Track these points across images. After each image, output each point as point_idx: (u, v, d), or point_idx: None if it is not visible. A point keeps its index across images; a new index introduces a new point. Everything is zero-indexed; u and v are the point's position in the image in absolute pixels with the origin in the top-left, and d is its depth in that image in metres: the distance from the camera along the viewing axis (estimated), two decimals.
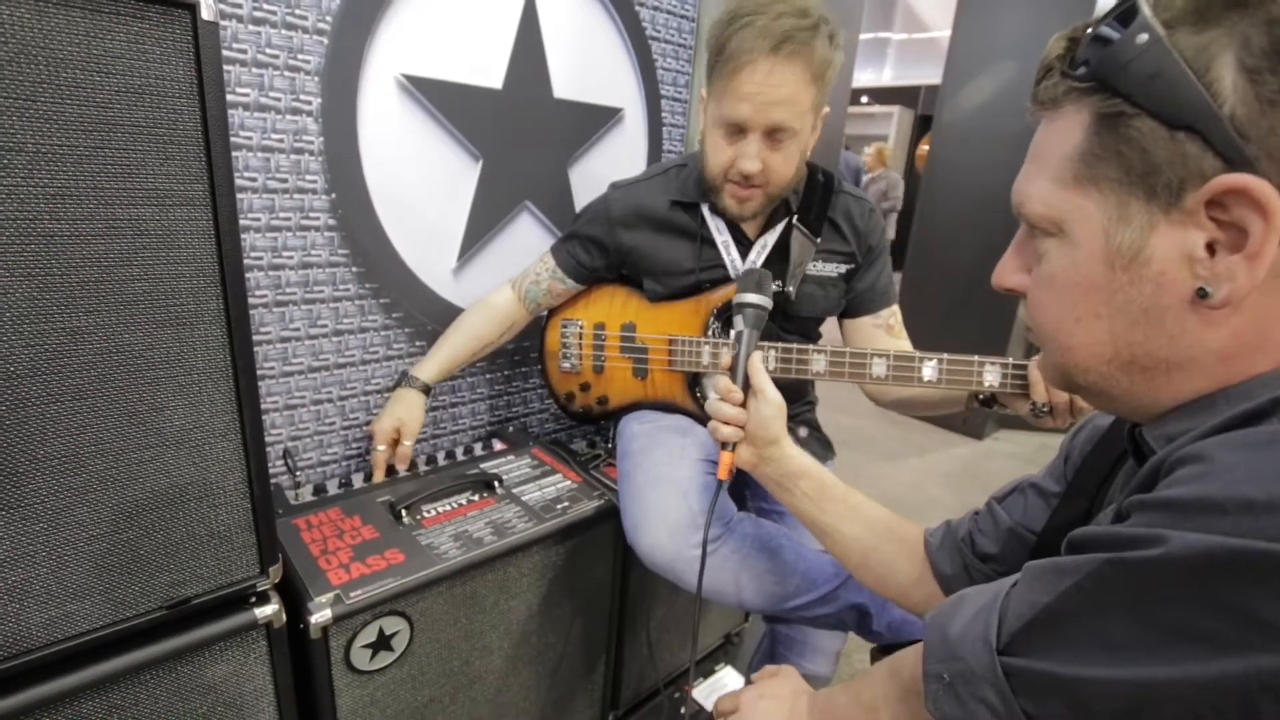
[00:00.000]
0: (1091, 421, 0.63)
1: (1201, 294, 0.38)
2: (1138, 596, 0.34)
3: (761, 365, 0.82)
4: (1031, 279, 0.47)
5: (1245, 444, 0.33)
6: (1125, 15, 0.39)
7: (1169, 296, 0.39)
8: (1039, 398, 0.86)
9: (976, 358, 0.91)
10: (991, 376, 0.91)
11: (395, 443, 1.11)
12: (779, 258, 1.09)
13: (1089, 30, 0.42)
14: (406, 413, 1.11)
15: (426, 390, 1.15)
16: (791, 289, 1.07)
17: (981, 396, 0.96)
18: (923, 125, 7.20)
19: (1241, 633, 0.31)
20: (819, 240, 1.08)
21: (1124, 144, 0.39)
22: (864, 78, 8.38)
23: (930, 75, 6.68)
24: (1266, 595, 0.30)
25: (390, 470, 1.13)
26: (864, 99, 8.17)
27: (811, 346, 1.01)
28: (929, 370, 0.94)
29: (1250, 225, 0.36)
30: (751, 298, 0.86)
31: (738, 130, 0.97)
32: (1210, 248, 0.38)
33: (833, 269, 1.12)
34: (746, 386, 0.82)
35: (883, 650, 0.73)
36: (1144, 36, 0.37)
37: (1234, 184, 0.35)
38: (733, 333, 0.86)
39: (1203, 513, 0.32)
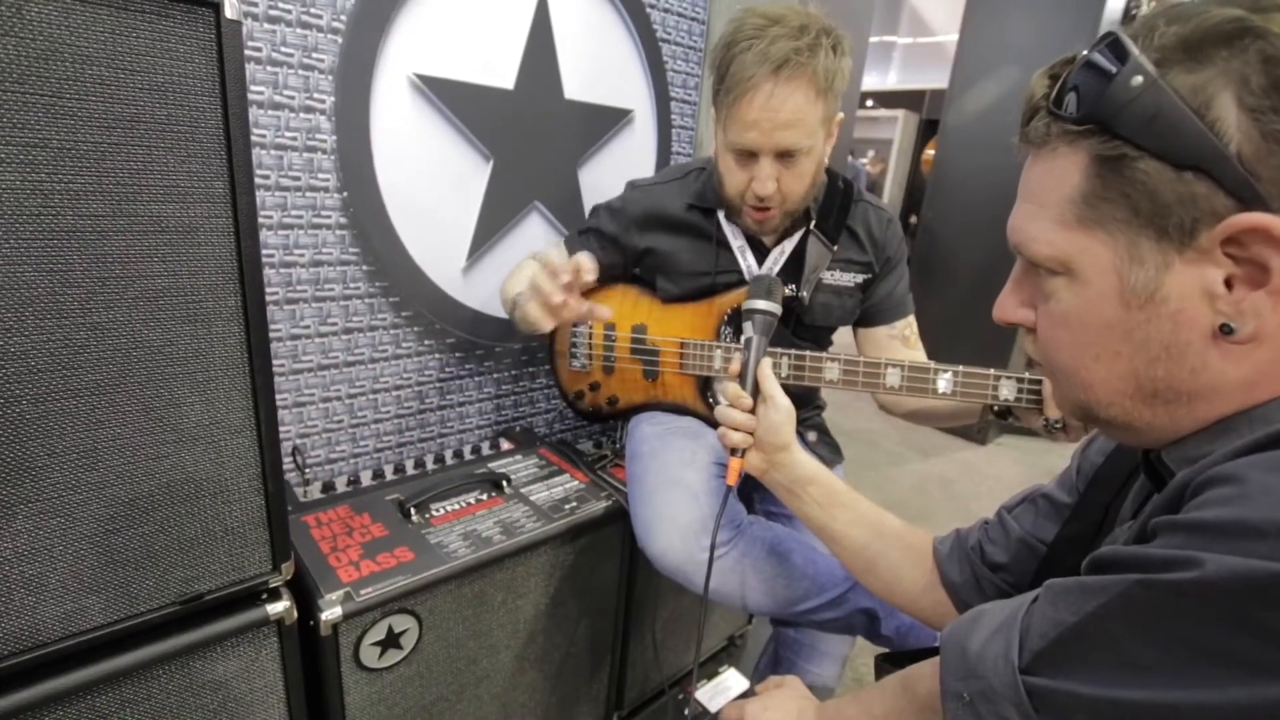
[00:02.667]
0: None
1: (1226, 330, 0.38)
2: (1170, 619, 0.34)
3: (771, 371, 0.82)
4: (1040, 316, 0.47)
5: (1279, 466, 0.33)
6: (1113, 52, 0.39)
7: (1189, 332, 0.39)
8: (1052, 414, 0.85)
9: (992, 371, 0.90)
10: (1007, 390, 0.89)
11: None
12: (794, 264, 1.08)
13: (1070, 68, 0.42)
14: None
15: None
16: (805, 294, 1.07)
17: (996, 409, 0.95)
18: (928, 129, 7.19)
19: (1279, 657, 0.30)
20: (835, 248, 1.08)
21: (1129, 186, 0.39)
22: (869, 81, 8.38)
23: (935, 80, 6.68)
24: None
25: (399, 468, 1.13)
26: (869, 103, 8.17)
27: (825, 354, 1.00)
28: (943, 382, 0.93)
29: (1271, 263, 0.36)
30: (761, 304, 0.85)
31: (748, 155, 0.97)
32: (1228, 283, 0.38)
33: (849, 279, 1.11)
34: (756, 392, 0.82)
35: (887, 659, 0.72)
36: (1139, 79, 0.37)
37: (1253, 223, 0.35)
38: (742, 338, 0.86)
39: (1240, 536, 0.32)
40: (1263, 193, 0.35)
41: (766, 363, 0.82)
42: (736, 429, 0.81)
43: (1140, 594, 0.35)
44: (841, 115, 1.00)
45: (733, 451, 0.82)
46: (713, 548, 0.83)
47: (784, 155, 0.96)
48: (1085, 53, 0.41)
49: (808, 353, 1.00)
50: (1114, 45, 0.39)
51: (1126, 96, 0.38)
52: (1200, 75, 0.36)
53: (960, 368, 0.93)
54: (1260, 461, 0.34)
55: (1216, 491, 0.34)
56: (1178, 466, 0.43)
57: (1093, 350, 0.43)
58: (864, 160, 7.13)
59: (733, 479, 0.81)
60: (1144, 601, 0.35)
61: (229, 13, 0.57)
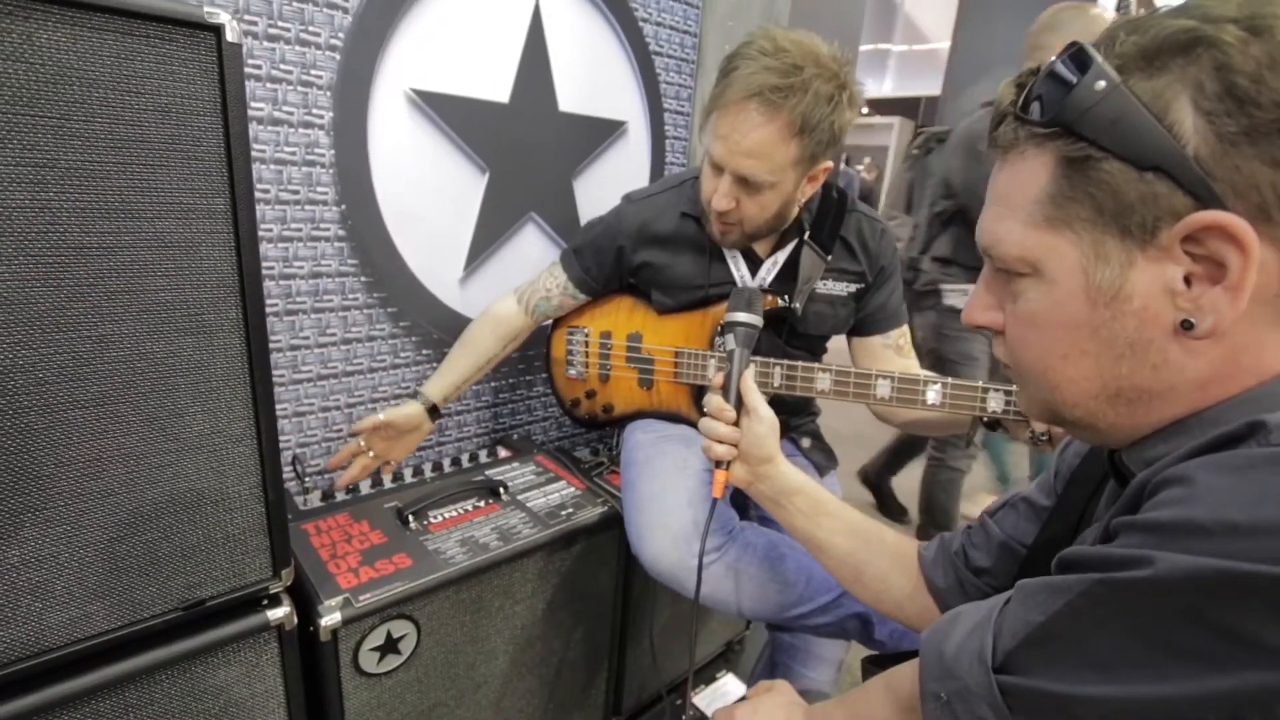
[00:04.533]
0: None
1: (1186, 325, 0.39)
2: (1128, 616, 0.35)
3: (754, 383, 0.82)
4: (1009, 318, 0.48)
5: (1226, 467, 0.34)
6: (1075, 62, 0.41)
7: (1152, 329, 0.41)
8: (1038, 427, 0.86)
9: (980, 383, 0.91)
10: (994, 402, 0.90)
11: (375, 436, 1.09)
12: (789, 274, 1.09)
13: (1035, 77, 0.44)
14: (395, 412, 1.10)
15: (432, 409, 1.14)
16: (799, 305, 1.08)
17: (985, 420, 0.96)
18: None
19: (1229, 650, 0.32)
20: (830, 258, 1.09)
21: (1094, 186, 0.40)
22: (864, 88, 8.44)
23: (930, 86, 6.72)
24: (1251, 614, 0.31)
25: (397, 476, 1.15)
26: (864, 110, 8.22)
27: (817, 365, 1.01)
28: (933, 394, 0.94)
29: (1228, 259, 0.37)
30: (742, 316, 0.86)
31: (717, 167, 0.99)
32: (1187, 280, 0.39)
33: (842, 288, 1.12)
34: (739, 405, 0.81)
35: (873, 662, 0.73)
36: (1101, 83, 0.39)
37: (1210, 221, 0.37)
38: (724, 351, 0.87)
39: (1188, 535, 0.33)
40: (1219, 192, 0.37)
41: (749, 375, 0.82)
42: (720, 441, 0.81)
43: (1101, 592, 0.36)
44: (829, 165, 1.00)
45: (717, 464, 0.82)
46: (701, 557, 0.83)
47: (742, 181, 0.97)
48: (1052, 60, 0.43)
49: (800, 363, 1.01)
50: (1077, 55, 0.42)
51: (1091, 100, 0.39)
52: (1158, 81, 0.38)
53: (949, 379, 0.94)
54: (1208, 463, 0.35)
55: (1169, 493, 0.36)
56: (1136, 467, 0.45)
57: (1060, 349, 0.45)
58: (859, 167, 7.16)
59: (718, 491, 0.81)
60: (1104, 600, 0.36)
61: (230, 36, 0.59)
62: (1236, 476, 0.34)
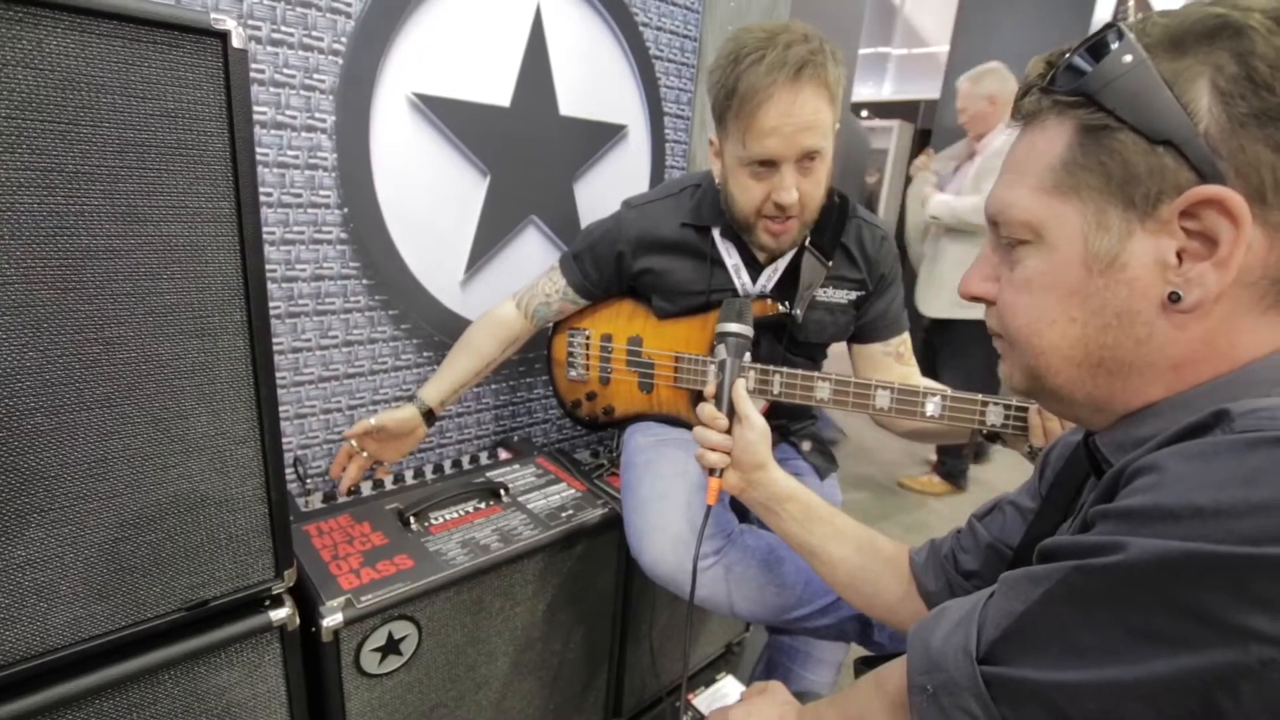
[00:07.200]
0: (1064, 439, 0.65)
1: (1174, 298, 0.41)
2: (1102, 601, 0.36)
3: (745, 392, 0.83)
4: (1004, 286, 0.50)
5: (1192, 455, 0.36)
6: (1109, 38, 0.43)
7: (1141, 300, 0.43)
8: (1036, 441, 0.86)
9: (980, 396, 0.91)
10: (994, 415, 0.90)
11: (368, 438, 1.10)
12: (789, 281, 1.09)
13: (1067, 54, 0.46)
14: (389, 416, 1.10)
15: (428, 413, 1.14)
16: (799, 312, 1.08)
17: (984, 433, 0.95)
18: (922, 139, 7.25)
19: (1198, 631, 0.32)
20: (830, 263, 1.09)
21: (1106, 155, 0.42)
22: (863, 92, 8.43)
23: (929, 90, 6.74)
24: (1217, 594, 0.32)
25: (398, 477, 1.15)
26: (864, 113, 8.23)
27: (817, 374, 1.01)
28: (932, 406, 0.94)
29: (1221, 233, 0.39)
30: (733, 327, 0.87)
31: (767, 165, 0.96)
32: (1179, 255, 0.41)
33: (843, 295, 1.12)
34: (731, 413, 0.83)
35: (865, 662, 0.74)
36: (1129, 57, 0.41)
37: (1210, 194, 0.39)
38: (716, 360, 0.88)
39: (1158, 520, 0.35)
40: (1222, 170, 0.39)
41: (741, 383, 0.84)
42: (713, 449, 0.82)
43: (1076, 579, 0.38)
44: (839, 125, 1.01)
45: (710, 471, 0.83)
46: (696, 561, 0.84)
47: (804, 160, 0.96)
48: (1086, 36, 0.45)
49: (800, 371, 1.01)
50: (1113, 32, 0.44)
51: (1116, 72, 0.42)
52: (1182, 62, 0.40)
53: (949, 391, 0.94)
54: (1177, 451, 0.37)
55: (1141, 480, 0.37)
56: (1111, 453, 0.47)
57: (1050, 315, 0.47)
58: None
59: (711, 499, 0.83)
60: (1080, 586, 0.37)
61: (236, 42, 0.59)
62: (1202, 463, 0.35)
